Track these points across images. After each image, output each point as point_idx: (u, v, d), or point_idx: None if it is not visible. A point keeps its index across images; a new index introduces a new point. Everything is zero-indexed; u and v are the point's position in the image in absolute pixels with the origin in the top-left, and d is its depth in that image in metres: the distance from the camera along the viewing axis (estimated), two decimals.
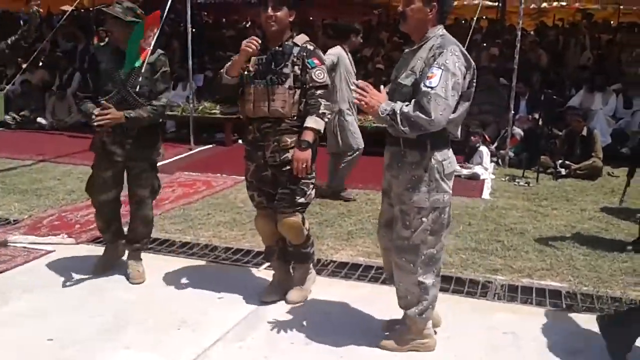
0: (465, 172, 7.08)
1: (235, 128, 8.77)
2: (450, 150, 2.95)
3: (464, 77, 2.79)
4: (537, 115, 8.02)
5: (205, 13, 15.97)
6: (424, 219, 2.89)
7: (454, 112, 2.79)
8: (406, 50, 3.02)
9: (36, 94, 10.77)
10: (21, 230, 4.83)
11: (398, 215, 2.96)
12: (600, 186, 6.64)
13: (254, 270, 4.16)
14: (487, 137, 7.76)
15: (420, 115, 2.69)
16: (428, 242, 2.93)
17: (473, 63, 2.85)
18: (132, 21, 3.74)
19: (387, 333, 3.22)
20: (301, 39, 3.50)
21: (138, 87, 3.77)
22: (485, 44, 11.69)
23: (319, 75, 3.39)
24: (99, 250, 4.41)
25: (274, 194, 3.50)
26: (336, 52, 5.82)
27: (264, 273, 4.10)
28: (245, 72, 3.43)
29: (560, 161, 7.23)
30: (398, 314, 3.25)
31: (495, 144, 8.05)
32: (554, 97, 7.89)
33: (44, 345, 3.10)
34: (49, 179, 6.61)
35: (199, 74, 10.50)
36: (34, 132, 9.69)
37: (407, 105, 2.74)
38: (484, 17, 14.33)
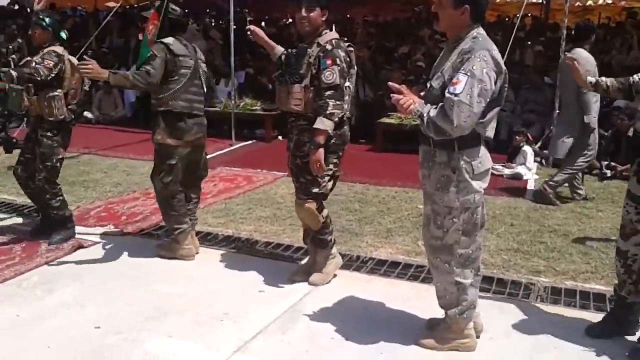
0: (507, 171, 6.97)
1: (275, 124, 8.84)
2: (482, 148, 2.88)
3: (495, 83, 2.73)
4: None
5: (247, 10, 16.11)
6: (455, 219, 2.88)
7: (482, 117, 2.76)
8: (444, 48, 3.00)
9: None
10: None
11: (430, 214, 2.97)
12: None
13: (294, 266, 4.20)
14: (530, 136, 7.62)
15: (444, 121, 2.68)
16: (462, 243, 2.91)
17: (504, 68, 2.78)
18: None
19: (428, 331, 3.21)
20: (325, 38, 3.56)
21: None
22: (529, 42, 11.49)
23: (329, 76, 3.47)
24: (144, 241, 4.54)
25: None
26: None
27: None
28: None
29: (605, 162, 7.06)
30: (438, 312, 3.24)
31: (539, 144, 7.90)
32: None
33: (90, 333, 3.20)
34: (95, 172, 6.79)
35: (240, 71, 10.61)
36: (81, 126, 9.89)
37: (434, 109, 2.72)
38: (528, 15, 14.05)
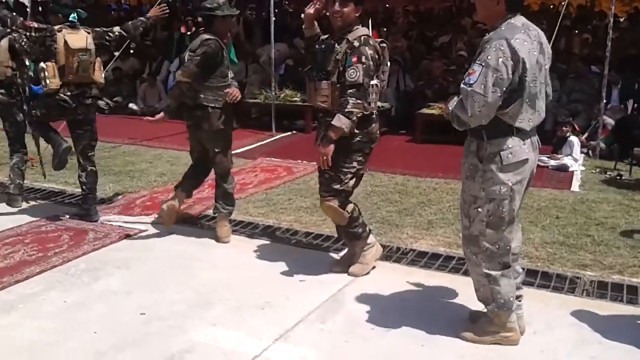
0: (553, 162, 6.82)
1: (315, 115, 8.84)
2: (515, 139, 2.79)
3: (513, 72, 2.68)
4: (630, 105, 7.61)
5: (287, 2, 16.13)
6: (479, 209, 2.86)
7: (505, 107, 2.72)
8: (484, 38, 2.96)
9: (127, 81, 11.30)
10: (115, 210, 5.11)
11: (462, 203, 3.00)
12: None
13: (334, 256, 4.21)
14: (576, 126, 7.42)
15: (461, 113, 2.74)
16: (487, 236, 2.88)
17: (523, 55, 2.68)
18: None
19: (470, 324, 3.18)
20: (355, 34, 3.52)
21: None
22: (576, 30, 11.18)
23: (352, 74, 3.45)
24: (188, 230, 4.62)
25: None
26: None
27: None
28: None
29: None
30: (479, 305, 3.21)
31: (586, 134, 7.70)
32: None
33: (134, 320, 3.28)
34: (140, 162, 6.94)
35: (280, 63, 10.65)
36: (126, 117, 10.16)
37: (454, 102, 2.80)
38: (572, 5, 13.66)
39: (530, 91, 2.77)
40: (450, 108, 2.81)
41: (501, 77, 2.67)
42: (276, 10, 9.97)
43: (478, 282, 3.01)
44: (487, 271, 2.92)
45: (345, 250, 4.07)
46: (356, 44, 3.48)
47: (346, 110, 3.43)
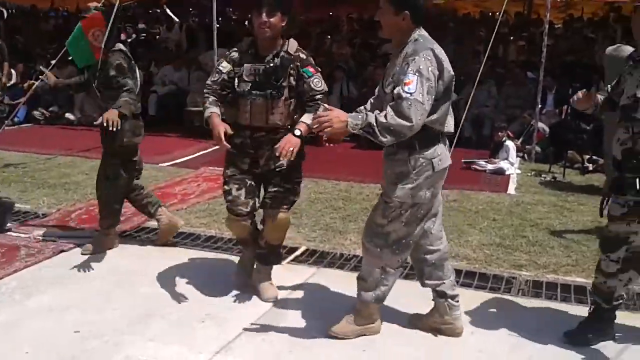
0: (490, 167, 7.01)
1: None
2: (441, 146, 2.96)
3: (438, 80, 2.81)
4: (564, 110, 7.91)
5: (231, 9, 16.04)
6: (402, 212, 2.96)
7: (434, 113, 2.84)
8: (392, 54, 3.04)
9: (64, 90, 10.95)
10: (50, 224, 4.93)
11: (381, 203, 3.04)
12: None
13: (276, 265, 4.18)
14: (510, 133, 7.65)
15: (402, 122, 2.72)
16: (399, 231, 3.01)
17: (446, 65, 2.84)
18: None
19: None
20: (292, 47, 3.47)
21: (96, 82, 4.20)
22: (512, 37, 11.55)
23: (317, 83, 3.42)
24: (125, 243, 4.49)
25: (256, 189, 3.57)
26: None
27: (287, 267, 4.13)
28: (237, 84, 3.45)
29: (587, 156, 7.12)
30: (421, 309, 3.26)
31: (521, 139, 7.96)
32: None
33: (69, 338, 3.16)
34: (77, 174, 6.72)
35: None
36: (62, 128, 9.86)
37: (382, 115, 2.75)
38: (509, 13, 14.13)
39: (451, 97, 2.94)
40: (374, 124, 2.73)
41: (432, 85, 2.77)
42: (220, 18, 9.90)
43: (369, 273, 3.11)
44: (385, 266, 3.07)
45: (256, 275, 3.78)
46: (303, 55, 3.45)
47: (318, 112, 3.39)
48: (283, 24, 3.40)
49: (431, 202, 3.01)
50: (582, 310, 3.45)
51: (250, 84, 3.43)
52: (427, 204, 2.99)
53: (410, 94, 2.72)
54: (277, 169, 3.48)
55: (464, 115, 6.01)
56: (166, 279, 3.91)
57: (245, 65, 3.44)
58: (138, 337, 3.18)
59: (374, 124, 2.73)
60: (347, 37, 12.42)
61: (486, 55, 6.74)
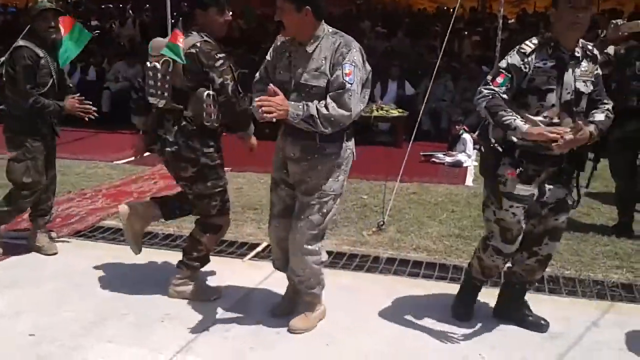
0: (448, 159, 7.10)
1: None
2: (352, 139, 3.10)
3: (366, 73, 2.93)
4: None
5: (186, 3, 15.81)
6: (335, 204, 3.08)
7: (363, 104, 2.95)
8: (294, 50, 2.96)
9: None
10: (0, 226, 4.75)
11: (314, 204, 3.00)
12: None
13: (238, 261, 4.14)
14: (466, 127, 7.75)
15: (343, 112, 2.79)
16: (328, 223, 3.14)
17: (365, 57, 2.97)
18: None
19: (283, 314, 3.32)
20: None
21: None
22: (466, 32, 11.72)
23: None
24: (79, 244, 4.38)
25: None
26: None
27: (248, 264, 4.09)
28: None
29: None
30: (382, 302, 3.27)
31: (478, 132, 8.06)
32: None
33: (24, 342, 3.05)
34: None
35: None
36: None
37: (323, 106, 2.78)
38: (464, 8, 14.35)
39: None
40: (315, 114, 2.76)
41: (363, 77, 2.89)
42: (174, 13, 9.72)
43: (312, 273, 3.13)
44: (322, 258, 3.16)
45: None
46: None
47: None
48: None
49: None
50: (539, 298, 3.53)
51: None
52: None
53: (351, 84, 2.79)
54: None
55: (422, 109, 6.04)
56: (123, 279, 3.81)
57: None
58: (95, 339, 3.09)
59: (316, 115, 2.78)
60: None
61: (442, 50, 6.80)
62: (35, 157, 4.04)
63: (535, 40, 2.90)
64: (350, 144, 3.04)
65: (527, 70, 2.86)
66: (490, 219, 3.05)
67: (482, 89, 2.89)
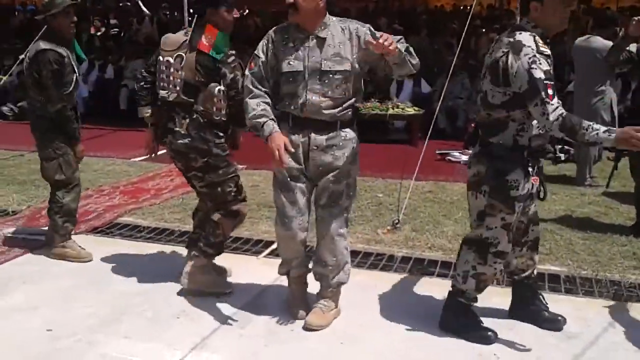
0: (464, 158, 7.05)
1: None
2: None
3: None
4: None
5: (196, 2, 15.91)
6: (356, 185, 3.23)
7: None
8: (290, 39, 3.01)
9: None
10: (20, 222, 4.83)
11: (344, 190, 3.10)
12: (600, 170, 6.61)
13: (253, 259, 4.16)
14: None
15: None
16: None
17: None
18: None
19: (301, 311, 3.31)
20: None
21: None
22: (484, 30, 11.62)
23: None
24: (96, 240, 4.43)
25: None
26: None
27: (263, 261, 4.11)
28: None
29: (559, 146, 7.20)
30: (397, 300, 3.26)
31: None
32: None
33: (42, 337, 3.10)
34: None
35: None
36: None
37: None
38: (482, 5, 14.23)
39: None
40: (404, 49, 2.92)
41: None
42: (191, 10, 9.77)
43: (344, 256, 3.20)
44: (347, 242, 3.26)
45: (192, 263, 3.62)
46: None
47: None
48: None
49: None
50: (555, 298, 3.50)
51: None
52: None
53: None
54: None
55: (438, 107, 6.02)
56: (140, 276, 3.85)
57: None
58: (112, 334, 3.12)
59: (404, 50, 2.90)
60: None
61: (459, 47, 6.76)
62: (66, 152, 4.05)
63: (536, 38, 2.78)
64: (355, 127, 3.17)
65: None
66: (495, 226, 2.94)
67: (548, 112, 2.66)
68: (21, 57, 9.41)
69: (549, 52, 2.78)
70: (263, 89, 3.03)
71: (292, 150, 2.96)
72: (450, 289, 3.18)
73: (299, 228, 3.14)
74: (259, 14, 13.89)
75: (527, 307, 3.26)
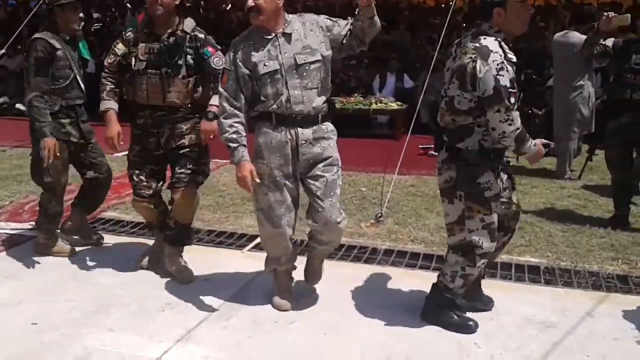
0: None
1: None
2: None
3: None
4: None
5: None
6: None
7: None
8: (256, 43, 3.06)
9: (14, 80, 10.61)
10: (2, 217, 4.81)
11: (335, 178, 3.16)
12: (579, 164, 6.72)
13: (237, 252, 4.18)
14: None
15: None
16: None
17: None
18: None
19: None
20: (189, 25, 3.55)
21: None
22: (465, 25, 11.70)
23: (217, 62, 3.50)
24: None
25: (158, 172, 3.68)
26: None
27: (248, 254, 4.13)
28: (134, 63, 3.48)
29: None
30: (380, 291, 3.30)
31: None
32: (534, 76, 7.94)
33: (26, 331, 3.10)
34: (29, 165, 6.51)
35: None
36: (13, 119, 9.55)
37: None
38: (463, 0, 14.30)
39: None
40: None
41: None
42: None
43: (342, 234, 3.29)
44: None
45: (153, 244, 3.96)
46: (200, 35, 3.55)
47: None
48: (176, 2, 3.47)
49: None
50: (535, 289, 3.57)
51: (145, 63, 3.48)
52: None
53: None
54: (181, 151, 3.56)
55: (420, 102, 6.06)
56: (124, 269, 3.86)
57: (140, 44, 3.50)
58: (96, 327, 3.14)
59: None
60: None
61: (440, 42, 6.81)
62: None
63: (502, 44, 2.83)
64: None
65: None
66: (476, 228, 2.99)
67: (511, 119, 2.80)
68: (1, 52, 9.35)
69: (515, 58, 2.85)
70: (237, 104, 3.06)
71: (258, 180, 3.06)
72: (436, 281, 3.22)
73: (287, 225, 3.19)
74: (242, 8, 13.84)
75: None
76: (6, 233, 4.42)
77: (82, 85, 4.00)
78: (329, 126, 3.18)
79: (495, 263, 3.96)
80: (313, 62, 3.04)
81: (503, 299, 3.44)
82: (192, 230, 3.89)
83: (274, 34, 3.04)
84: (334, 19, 3.16)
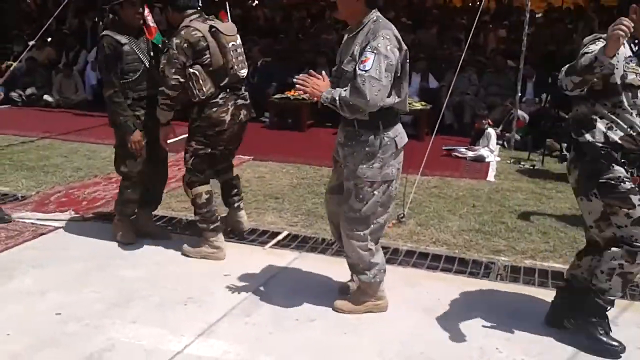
0: (470, 154, 7.07)
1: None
2: (399, 125, 3.15)
3: (398, 59, 2.96)
4: (544, 98, 7.99)
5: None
6: (375, 192, 3.08)
7: (399, 94, 3.03)
8: (346, 36, 3.14)
9: (42, 71, 10.78)
10: (29, 207, 4.88)
11: (351, 189, 3.10)
12: None
13: (259, 249, 4.20)
14: (490, 121, 7.71)
15: (357, 98, 2.86)
16: (377, 213, 3.14)
17: (405, 46, 3.01)
18: None
19: (342, 295, 3.42)
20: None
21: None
22: (492, 26, 11.60)
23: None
24: (105, 227, 4.47)
25: None
26: None
27: (269, 251, 4.15)
28: None
29: (566, 144, 7.21)
30: (401, 293, 3.28)
31: (501, 127, 8.03)
32: None
33: (50, 321, 3.15)
34: (55, 156, 6.64)
35: None
36: (40, 110, 9.72)
37: (344, 90, 2.91)
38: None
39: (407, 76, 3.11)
40: (336, 98, 2.91)
41: (391, 63, 2.90)
42: None
43: (359, 258, 3.20)
44: (370, 245, 3.18)
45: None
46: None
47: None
48: None
49: (398, 179, 3.18)
50: (552, 294, 3.52)
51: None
52: (395, 180, 3.14)
53: (366, 71, 2.84)
54: None
55: (445, 103, 6.03)
56: (147, 263, 3.90)
57: None
58: (119, 319, 3.17)
59: (337, 98, 2.90)
60: (333, 21, 12.36)
61: (467, 42, 6.77)
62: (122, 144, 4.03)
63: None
64: (390, 132, 3.06)
65: None
66: (624, 224, 2.82)
67: None
68: (31, 43, 9.50)
69: None
70: None
71: None
72: (568, 286, 3.17)
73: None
74: (267, 5, 13.89)
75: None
76: (32, 223, 4.49)
77: (155, 76, 3.99)
78: (364, 135, 3.11)
79: (519, 268, 3.93)
80: (348, 72, 3.02)
81: (526, 304, 3.41)
82: (198, 212, 4.14)
83: (348, 33, 3.15)
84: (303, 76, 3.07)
